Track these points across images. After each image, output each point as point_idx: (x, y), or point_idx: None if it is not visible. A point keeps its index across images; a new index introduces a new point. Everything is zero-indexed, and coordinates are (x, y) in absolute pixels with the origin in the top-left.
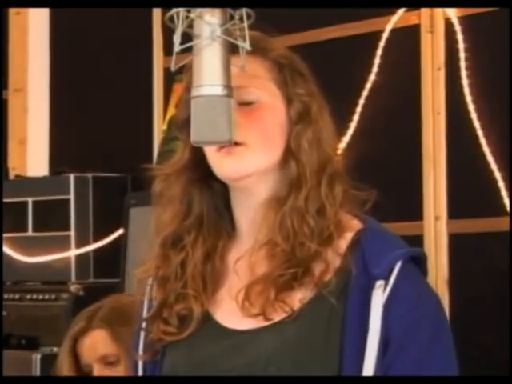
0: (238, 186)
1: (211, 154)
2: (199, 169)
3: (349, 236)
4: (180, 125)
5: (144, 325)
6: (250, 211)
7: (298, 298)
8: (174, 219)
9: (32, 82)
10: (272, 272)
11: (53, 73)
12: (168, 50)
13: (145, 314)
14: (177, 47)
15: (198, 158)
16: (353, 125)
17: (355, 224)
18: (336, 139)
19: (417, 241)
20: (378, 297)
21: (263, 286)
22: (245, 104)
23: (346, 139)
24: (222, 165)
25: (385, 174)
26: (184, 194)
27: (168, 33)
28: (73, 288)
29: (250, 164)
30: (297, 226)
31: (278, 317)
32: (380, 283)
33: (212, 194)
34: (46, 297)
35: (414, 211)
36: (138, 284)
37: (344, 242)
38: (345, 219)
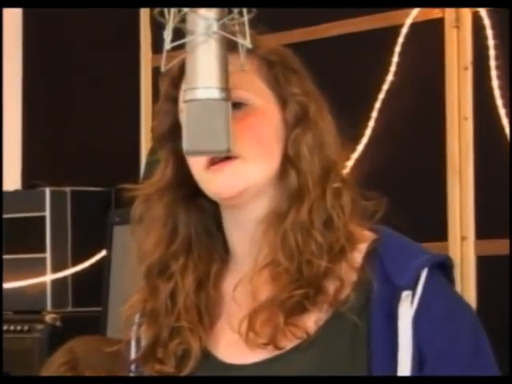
0: (231, 204)
1: (199, 173)
2: (184, 187)
3: (363, 247)
4: (160, 138)
5: (133, 367)
6: (246, 231)
7: (313, 320)
8: (158, 245)
9: (3, 84)
10: (277, 295)
11: (26, 75)
12: (157, 47)
13: (133, 355)
14: (167, 44)
15: (183, 175)
16: (367, 132)
17: (368, 234)
18: (339, 141)
19: None
20: (406, 309)
21: (269, 312)
22: (233, 106)
23: (359, 148)
24: (213, 182)
25: (404, 187)
26: (168, 215)
27: (157, 28)
28: (48, 318)
29: (245, 179)
30: (301, 242)
31: (290, 344)
32: (407, 294)
33: (200, 214)
34: (18, 328)
35: (438, 231)
36: (124, 323)
37: (358, 255)
38: (356, 231)
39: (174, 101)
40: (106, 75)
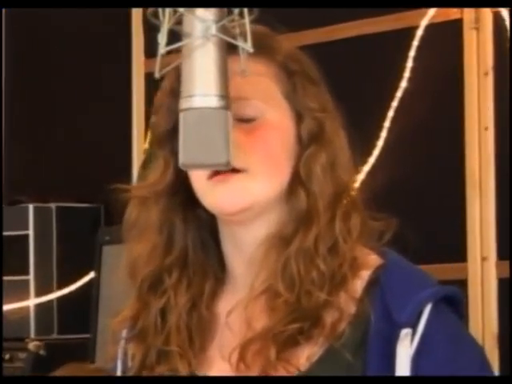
0: (231, 220)
1: (199, 182)
2: (182, 192)
3: (365, 275)
4: (161, 137)
5: None
6: (244, 250)
7: (306, 355)
8: (152, 255)
9: None
10: (273, 327)
11: (6, 83)
12: (151, 51)
13: (119, 372)
14: (162, 48)
15: (182, 179)
16: (380, 143)
17: (373, 260)
18: (353, 162)
19: (459, 287)
20: (405, 349)
21: (262, 344)
22: (245, 121)
23: (370, 160)
24: (214, 195)
25: (419, 204)
26: (163, 222)
27: (151, 31)
28: (32, 346)
29: (250, 195)
30: (303, 271)
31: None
32: (406, 332)
33: (198, 225)
34: None
35: (456, 250)
36: (112, 337)
37: (360, 283)
38: (360, 254)
39: (177, 97)
40: (94, 82)
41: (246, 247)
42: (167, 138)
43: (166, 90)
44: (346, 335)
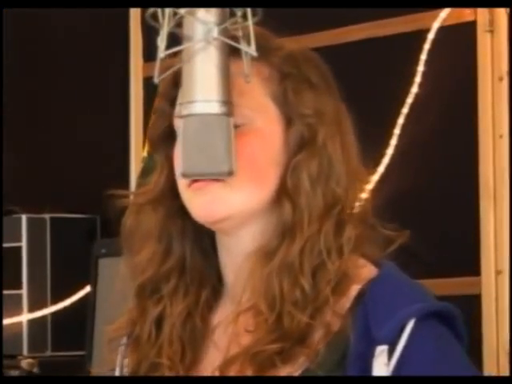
0: (219, 230)
1: (182, 190)
2: (180, 198)
3: (354, 289)
4: (154, 141)
5: None
6: (234, 261)
7: (284, 375)
8: (151, 262)
9: None
10: (252, 346)
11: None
12: (149, 55)
13: None
14: (161, 52)
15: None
16: (389, 151)
17: (365, 273)
18: (356, 172)
19: (473, 301)
20: (381, 367)
21: (240, 366)
22: None
23: (380, 169)
24: (192, 203)
25: (430, 215)
26: (162, 230)
27: (149, 33)
28: (24, 364)
29: (227, 205)
30: (286, 289)
31: None
32: (382, 349)
33: (197, 232)
34: None
35: (469, 263)
36: (108, 345)
37: (347, 300)
38: (353, 267)
39: (172, 101)
40: (90, 87)
41: (234, 258)
42: (161, 143)
43: (160, 94)
44: (322, 355)
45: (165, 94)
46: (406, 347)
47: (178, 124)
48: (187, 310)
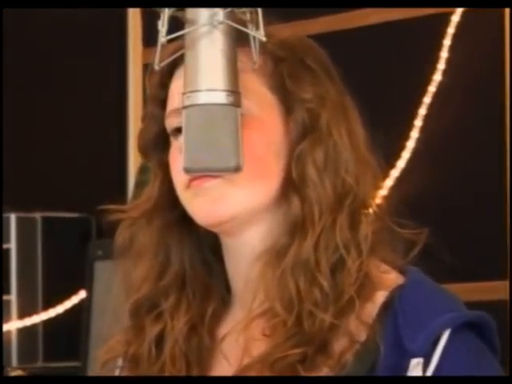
0: (219, 231)
1: (180, 192)
2: (176, 208)
3: (380, 297)
4: (145, 148)
5: None
6: (242, 266)
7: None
8: (147, 278)
9: None
10: (270, 353)
11: None
12: (149, 40)
13: None
14: (163, 37)
15: (174, 194)
16: (410, 144)
17: (391, 279)
18: (366, 158)
19: (499, 308)
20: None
21: (258, 374)
22: None
23: (399, 164)
24: (192, 205)
25: (454, 214)
26: (159, 244)
27: (149, 17)
28: (14, 375)
29: (230, 205)
30: (303, 287)
31: None
32: (417, 362)
33: (197, 242)
34: None
35: (496, 267)
36: (102, 369)
37: (373, 307)
38: (376, 272)
39: (161, 104)
40: (85, 74)
41: (242, 262)
42: (154, 150)
43: (148, 97)
44: (349, 367)
45: (153, 96)
46: (440, 360)
47: (172, 124)
48: (190, 325)
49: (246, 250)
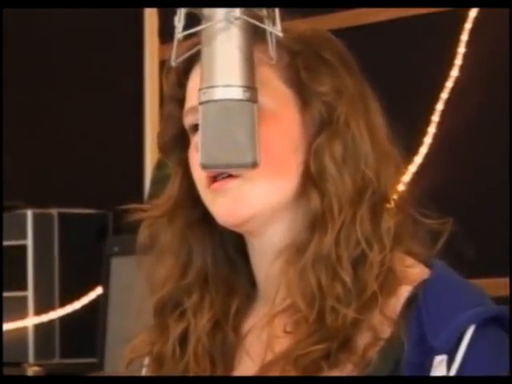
0: (242, 231)
1: (202, 191)
2: (198, 207)
3: (405, 292)
4: (165, 147)
5: None
6: (265, 263)
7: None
8: (169, 277)
9: None
10: (293, 350)
11: (2, 70)
12: (166, 36)
13: None
14: (179, 33)
15: (194, 192)
16: (427, 140)
17: (415, 274)
18: (386, 151)
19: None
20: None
21: (282, 371)
22: None
23: (417, 160)
24: (214, 206)
25: (472, 209)
26: (181, 243)
27: (166, 13)
28: (30, 372)
29: (251, 203)
30: (325, 283)
31: None
32: (441, 359)
33: (219, 239)
34: None
35: (496, 264)
36: (126, 369)
37: (397, 302)
38: (400, 266)
39: (179, 103)
40: (101, 71)
41: (264, 258)
42: (173, 148)
43: (165, 96)
44: (374, 364)
45: (170, 96)
46: (465, 357)
47: (190, 121)
48: (213, 322)
49: (268, 247)
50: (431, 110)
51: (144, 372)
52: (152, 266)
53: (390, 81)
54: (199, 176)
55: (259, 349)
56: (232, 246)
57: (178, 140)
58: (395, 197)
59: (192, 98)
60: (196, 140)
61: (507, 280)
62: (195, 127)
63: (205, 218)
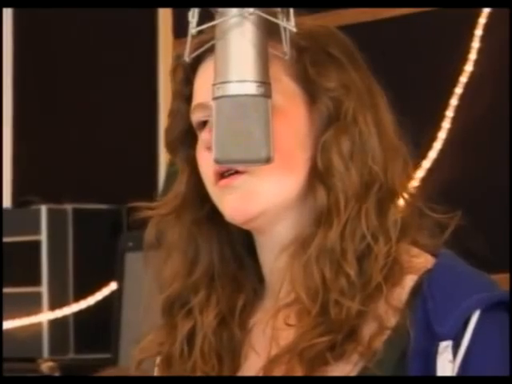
0: (250, 228)
1: (210, 188)
2: (206, 204)
3: (410, 281)
4: (172, 144)
5: None
6: (270, 259)
7: (338, 375)
8: (177, 275)
9: None
10: (297, 343)
11: (18, 72)
12: (180, 31)
13: None
14: (193, 28)
15: (202, 189)
16: (442, 135)
17: (420, 263)
18: (394, 147)
19: None
20: (446, 365)
21: (287, 364)
22: None
23: (431, 155)
24: (223, 203)
25: (486, 206)
26: (188, 241)
27: (180, 8)
28: (45, 367)
29: (259, 200)
30: (329, 276)
31: None
32: (445, 345)
33: (226, 237)
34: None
35: (496, 259)
36: (136, 369)
37: (402, 291)
38: (406, 256)
39: (187, 99)
40: (115, 66)
41: (270, 253)
42: (180, 145)
43: (172, 93)
44: (381, 353)
45: (178, 92)
46: (471, 342)
47: (197, 118)
48: (219, 319)
49: (275, 243)
50: (445, 105)
51: (156, 371)
52: (159, 264)
53: (404, 76)
54: (207, 173)
55: (264, 343)
56: (239, 243)
57: (185, 137)
58: (405, 191)
59: (200, 94)
60: (204, 137)
61: (492, 276)
62: (203, 124)
63: (212, 215)
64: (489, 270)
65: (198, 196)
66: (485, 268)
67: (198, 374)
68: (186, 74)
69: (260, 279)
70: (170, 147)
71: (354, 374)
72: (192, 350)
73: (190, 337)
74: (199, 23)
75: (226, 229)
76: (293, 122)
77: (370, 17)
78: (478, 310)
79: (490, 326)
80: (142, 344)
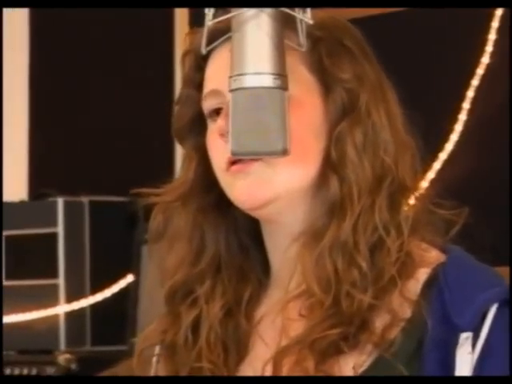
0: (259, 216)
1: (220, 175)
2: (212, 192)
3: (423, 274)
4: (180, 131)
5: None
6: (280, 249)
7: (351, 365)
8: (182, 263)
9: (7, 74)
10: (308, 334)
11: (32, 63)
12: (196, 23)
13: None
14: (209, 20)
15: (209, 177)
16: (458, 128)
17: (433, 257)
18: (405, 139)
19: None
20: (465, 356)
21: (298, 355)
22: None
23: (447, 147)
24: (233, 189)
25: (503, 199)
26: (193, 228)
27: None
28: (61, 359)
29: (272, 187)
30: (341, 268)
31: None
32: (466, 336)
33: (233, 226)
34: (25, 372)
35: (496, 253)
36: (138, 357)
37: (416, 284)
38: (417, 250)
39: (197, 86)
40: (130, 57)
41: (280, 243)
42: (188, 132)
43: (183, 79)
44: (397, 343)
45: (189, 79)
46: (489, 335)
47: (210, 105)
48: (226, 309)
49: (284, 233)
50: (462, 97)
51: (155, 361)
52: (165, 252)
53: (421, 68)
54: (219, 160)
55: (273, 334)
56: (246, 233)
57: (194, 124)
58: (415, 187)
59: (213, 81)
60: (218, 124)
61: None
62: (215, 111)
63: (219, 203)
64: (502, 262)
65: (206, 183)
66: (498, 260)
67: (204, 362)
68: (198, 61)
69: (265, 270)
70: (179, 134)
71: (368, 363)
72: (197, 338)
73: (195, 326)
74: (216, 15)
75: (232, 217)
76: (308, 112)
77: (381, 9)
78: (495, 304)
79: (506, 319)
80: (144, 333)
